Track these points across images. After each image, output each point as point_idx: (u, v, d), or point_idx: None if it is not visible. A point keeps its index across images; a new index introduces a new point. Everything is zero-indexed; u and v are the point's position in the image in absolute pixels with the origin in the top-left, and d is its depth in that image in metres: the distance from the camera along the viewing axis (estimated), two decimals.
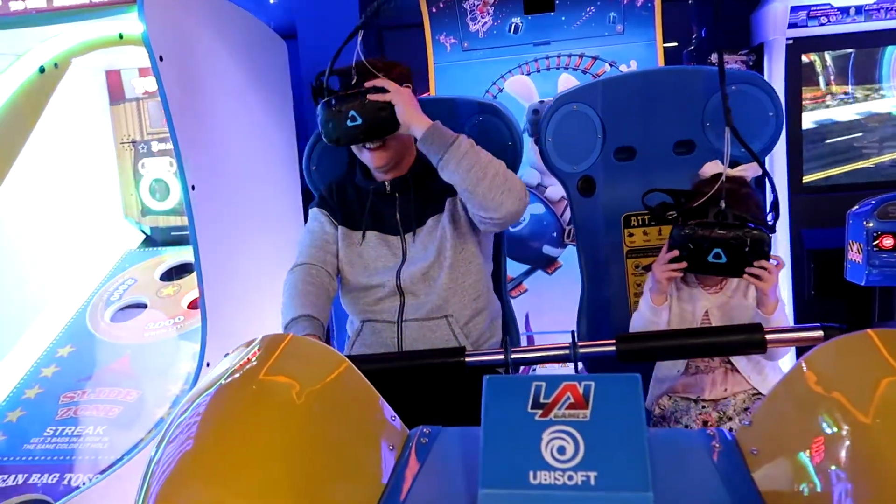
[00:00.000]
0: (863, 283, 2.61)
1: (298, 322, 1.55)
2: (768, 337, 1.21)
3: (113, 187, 3.10)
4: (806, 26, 2.86)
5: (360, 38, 1.51)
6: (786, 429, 0.85)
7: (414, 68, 1.72)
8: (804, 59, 2.91)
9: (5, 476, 2.19)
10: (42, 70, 2.56)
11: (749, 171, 1.59)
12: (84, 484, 2.08)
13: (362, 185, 1.73)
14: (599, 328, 1.91)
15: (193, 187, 2.24)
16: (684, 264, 1.45)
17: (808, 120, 2.95)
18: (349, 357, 0.99)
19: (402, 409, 1.04)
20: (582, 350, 1.19)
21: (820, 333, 1.20)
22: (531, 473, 0.78)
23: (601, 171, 1.88)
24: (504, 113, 1.90)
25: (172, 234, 3.13)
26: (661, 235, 1.89)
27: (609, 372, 0.87)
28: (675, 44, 3.32)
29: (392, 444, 0.95)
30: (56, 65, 2.61)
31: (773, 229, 1.43)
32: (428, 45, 3.08)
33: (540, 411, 0.82)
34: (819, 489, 0.74)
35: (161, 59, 2.10)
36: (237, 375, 0.90)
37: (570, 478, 0.77)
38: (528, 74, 3.09)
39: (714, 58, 2.98)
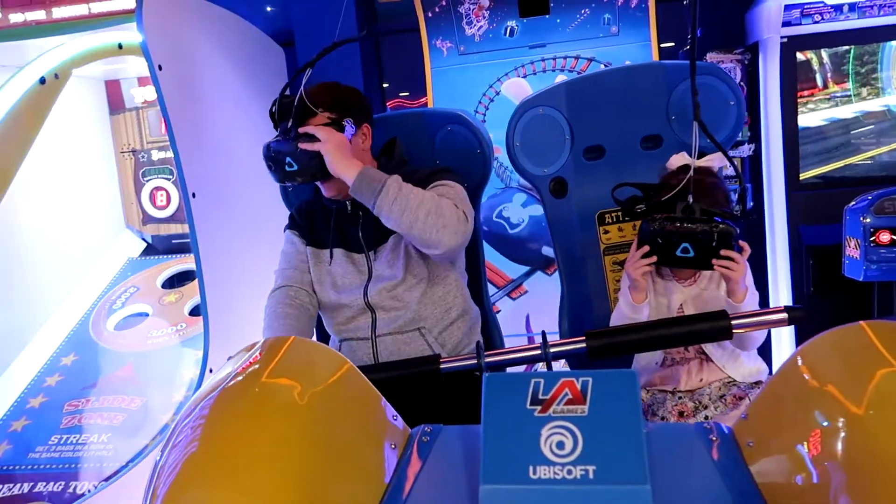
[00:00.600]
0: (861, 279, 2.62)
1: None
2: (734, 322, 1.22)
3: (114, 196, 3.12)
4: (800, 24, 2.87)
5: (305, 77, 1.54)
6: (781, 421, 0.86)
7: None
8: (800, 56, 2.93)
9: (11, 485, 2.20)
10: (42, 81, 2.58)
11: (715, 161, 1.60)
12: (89, 491, 2.10)
13: (328, 204, 1.75)
14: (581, 326, 1.91)
15: (194, 195, 2.25)
16: (655, 258, 1.47)
17: (804, 117, 2.97)
18: None
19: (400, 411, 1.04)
20: (553, 349, 1.19)
21: (784, 315, 1.21)
22: (531, 468, 0.79)
23: (572, 172, 1.89)
24: (471, 122, 1.92)
25: (173, 241, 3.15)
26: (637, 231, 1.90)
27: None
28: (672, 44, 3.34)
29: (394, 444, 0.96)
30: (56, 75, 2.63)
31: (740, 220, 1.44)
32: (424, 49, 3.09)
33: (539, 407, 0.84)
34: (815, 480, 0.75)
35: (160, 68, 2.12)
36: (240, 378, 0.91)
37: (570, 472, 0.78)
38: (525, 77, 3.11)
39: (710, 57, 3.00)
